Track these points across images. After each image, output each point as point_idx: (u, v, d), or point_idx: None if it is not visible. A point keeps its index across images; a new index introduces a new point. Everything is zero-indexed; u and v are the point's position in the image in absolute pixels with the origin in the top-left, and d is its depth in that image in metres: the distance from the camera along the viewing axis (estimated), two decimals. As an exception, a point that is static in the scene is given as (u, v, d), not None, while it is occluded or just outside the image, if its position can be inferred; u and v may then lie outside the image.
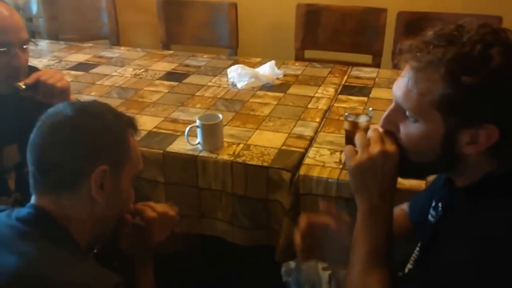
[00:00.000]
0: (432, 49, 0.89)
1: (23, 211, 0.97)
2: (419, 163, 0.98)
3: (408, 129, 0.96)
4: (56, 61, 2.60)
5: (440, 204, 1.06)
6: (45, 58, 2.63)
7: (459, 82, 0.85)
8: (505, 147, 0.91)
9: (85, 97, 2.10)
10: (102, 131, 0.99)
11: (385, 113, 1.00)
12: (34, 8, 3.72)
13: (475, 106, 0.87)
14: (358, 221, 1.04)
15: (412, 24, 2.63)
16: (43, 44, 2.96)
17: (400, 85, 0.95)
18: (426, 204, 1.15)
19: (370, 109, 1.69)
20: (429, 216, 1.11)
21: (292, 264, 1.49)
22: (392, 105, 0.99)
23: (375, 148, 0.99)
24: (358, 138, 1.03)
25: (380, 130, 1.02)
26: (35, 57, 2.55)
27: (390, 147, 0.98)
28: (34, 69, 1.53)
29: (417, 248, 1.09)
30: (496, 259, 0.85)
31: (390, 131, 1.00)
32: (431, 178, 1.30)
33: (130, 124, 1.06)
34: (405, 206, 1.35)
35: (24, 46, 1.41)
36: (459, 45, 0.87)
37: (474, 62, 0.86)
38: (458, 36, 0.89)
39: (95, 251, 1.12)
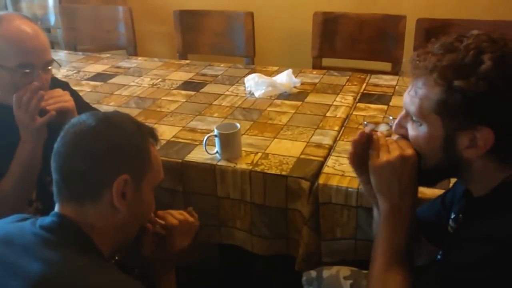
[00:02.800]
0: (430, 57, 0.96)
1: (47, 219, 0.99)
2: (427, 168, 1.04)
3: (414, 132, 1.03)
4: (74, 71, 2.62)
5: (460, 215, 1.09)
6: (63, 69, 2.64)
7: (451, 87, 0.92)
8: (508, 151, 0.95)
9: (104, 107, 2.11)
10: (124, 140, 1.01)
11: (397, 119, 1.08)
12: (52, 19, 3.77)
13: (467, 110, 0.92)
14: (380, 220, 1.10)
15: (432, 31, 2.60)
16: (61, 54, 2.99)
17: (407, 92, 1.03)
18: (442, 218, 1.20)
19: (391, 117, 1.66)
20: (449, 228, 1.14)
21: (313, 273, 1.48)
22: (402, 111, 1.06)
23: (394, 152, 1.04)
24: (380, 144, 1.09)
25: (396, 137, 1.09)
26: (53, 68, 2.57)
27: (408, 151, 1.04)
28: (57, 82, 1.53)
29: (439, 256, 1.11)
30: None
31: (405, 137, 1.06)
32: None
33: (151, 134, 1.07)
34: None
35: (48, 67, 1.42)
36: (456, 52, 0.93)
37: (465, 67, 0.92)
38: (458, 44, 0.95)
39: (116, 258, 1.12)
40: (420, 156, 1.03)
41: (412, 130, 1.04)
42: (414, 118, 1.01)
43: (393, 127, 1.08)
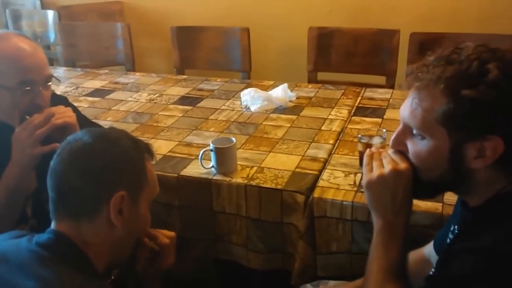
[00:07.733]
0: (432, 69, 0.94)
1: (43, 236, 0.99)
2: (430, 181, 1.02)
3: (416, 146, 1.00)
4: (73, 87, 2.64)
5: (456, 226, 1.08)
6: (62, 85, 2.66)
7: (459, 97, 0.90)
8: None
9: (101, 123, 2.12)
10: (120, 157, 1.01)
11: (394, 134, 1.05)
12: (52, 36, 3.81)
13: (477, 119, 0.91)
14: (373, 237, 1.08)
15: (425, 45, 2.63)
16: (61, 71, 3.01)
17: (406, 106, 1.00)
18: (447, 233, 1.18)
19: (384, 130, 1.68)
20: (448, 240, 1.12)
21: (309, 287, 1.48)
22: (400, 126, 1.04)
23: (387, 167, 1.04)
24: (373, 158, 1.09)
25: (391, 151, 1.07)
26: (53, 84, 2.59)
27: (402, 165, 1.03)
28: (56, 97, 1.54)
29: (432, 269, 1.10)
30: (506, 272, 0.86)
31: (400, 151, 1.04)
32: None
33: (147, 150, 1.08)
34: (425, 250, 1.31)
35: (48, 83, 1.42)
36: (457, 64, 0.92)
37: (472, 77, 0.90)
38: (457, 56, 0.94)
39: (112, 277, 1.12)
40: (416, 170, 1.01)
41: (413, 145, 1.01)
42: (415, 131, 0.99)
43: (391, 143, 1.05)
